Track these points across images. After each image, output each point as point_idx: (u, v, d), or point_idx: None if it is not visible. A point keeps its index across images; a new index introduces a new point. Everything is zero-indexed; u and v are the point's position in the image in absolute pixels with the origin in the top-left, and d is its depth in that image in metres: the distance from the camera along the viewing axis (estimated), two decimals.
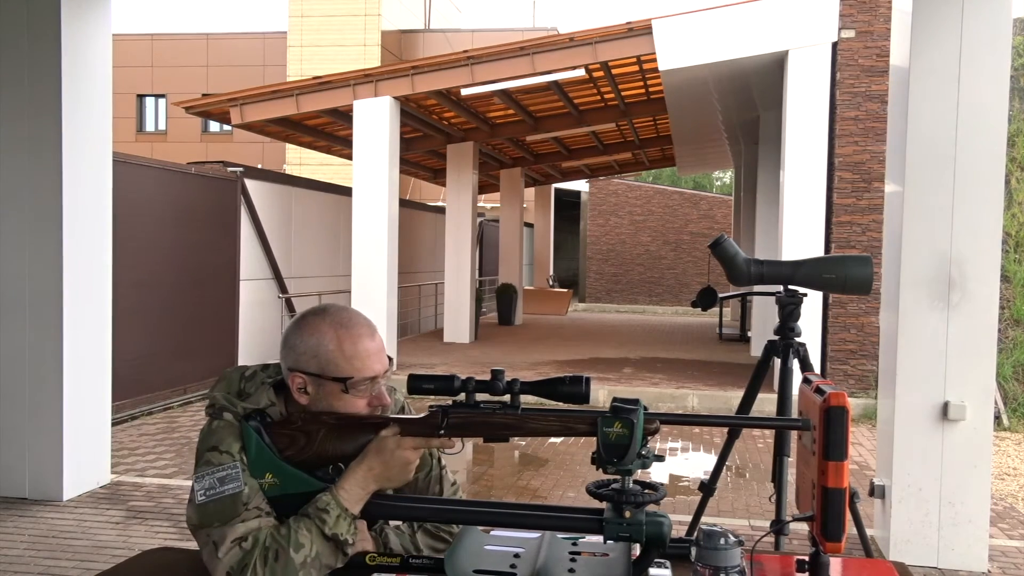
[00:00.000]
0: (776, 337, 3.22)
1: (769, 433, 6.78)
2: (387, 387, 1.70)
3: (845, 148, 8.63)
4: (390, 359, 1.68)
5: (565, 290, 21.66)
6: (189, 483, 1.70)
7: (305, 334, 1.62)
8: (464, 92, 10.64)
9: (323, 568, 1.49)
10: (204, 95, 11.10)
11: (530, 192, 22.23)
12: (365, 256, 9.78)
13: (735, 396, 8.28)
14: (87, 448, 5.13)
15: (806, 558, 1.52)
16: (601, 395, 8.33)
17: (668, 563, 1.48)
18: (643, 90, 11.94)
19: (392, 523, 1.74)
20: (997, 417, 7.85)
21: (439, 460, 1.81)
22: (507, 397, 1.55)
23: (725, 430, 3.89)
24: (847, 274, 3.00)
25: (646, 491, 1.42)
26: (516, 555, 1.55)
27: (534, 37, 11.52)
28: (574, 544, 1.61)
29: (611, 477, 1.44)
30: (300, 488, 1.54)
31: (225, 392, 1.61)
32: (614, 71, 10.54)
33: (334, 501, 1.51)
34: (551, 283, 22.90)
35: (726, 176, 43.61)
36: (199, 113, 11.09)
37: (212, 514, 1.49)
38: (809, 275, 3.05)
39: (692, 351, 12.66)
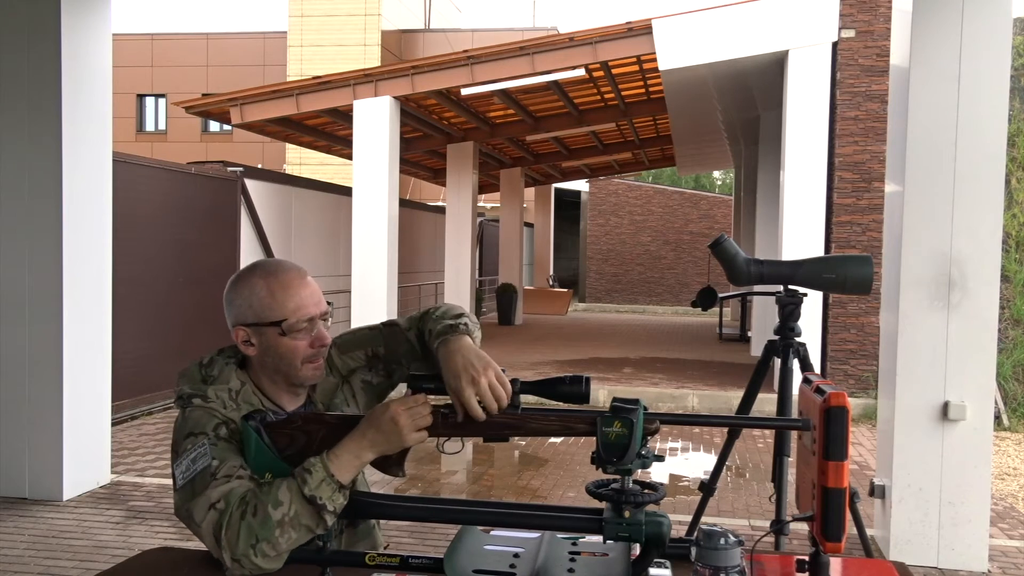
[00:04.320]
0: (776, 337, 3.22)
1: (769, 433, 6.78)
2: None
3: (845, 148, 8.62)
4: (330, 304, 1.73)
5: (565, 290, 21.64)
6: None
7: (239, 288, 1.70)
8: (464, 92, 10.64)
9: (303, 529, 1.48)
10: (204, 95, 11.12)
11: (530, 192, 22.22)
12: (365, 256, 9.78)
13: (735, 396, 8.28)
14: (87, 448, 5.13)
15: (806, 558, 1.52)
16: (601, 395, 8.32)
17: (668, 563, 1.48)
18: (643, 90, 11.94)
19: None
20: (997, 417, 7.85)
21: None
22: None
23: (725, 430, 3.89)
24: (847, 274, 3.00)
25: (646, 491, 1.42)
26: (516, 555, 1.55)
27: (534, 37, 11.52)
28: (574, 544, 1.61)
29: (611, 477, 1.44)
30: None
31: (189, 385, 1.67)
32: (614, 71, 10.54)
33: (320, 464, 1.50)
34: (551, 283, 22.89)
35: (727, 176, 43.60)
36: (199, 113, 11.09)
37: (188, 492, 1.53)
38: (809, 275, 3.05)
39: (692, 351, 12.65)
